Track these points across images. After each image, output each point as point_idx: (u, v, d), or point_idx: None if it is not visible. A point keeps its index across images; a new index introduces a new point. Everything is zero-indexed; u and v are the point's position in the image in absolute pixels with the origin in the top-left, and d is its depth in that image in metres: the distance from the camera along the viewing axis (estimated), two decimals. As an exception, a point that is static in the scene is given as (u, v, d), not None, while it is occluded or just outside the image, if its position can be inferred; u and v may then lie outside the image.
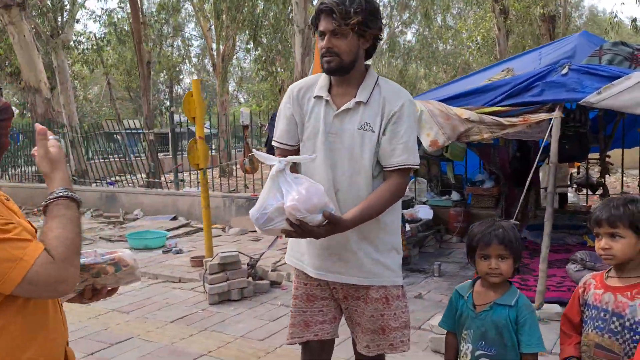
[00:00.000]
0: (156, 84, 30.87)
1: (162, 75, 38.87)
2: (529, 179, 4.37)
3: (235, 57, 29.53)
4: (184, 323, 4.07)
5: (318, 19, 2.00)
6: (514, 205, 5.99)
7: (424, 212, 6.25)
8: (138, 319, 4.20)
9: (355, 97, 2.03)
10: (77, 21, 20.32)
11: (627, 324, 1.69)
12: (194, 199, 8.42)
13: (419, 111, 4.46)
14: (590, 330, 1.78)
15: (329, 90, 2.07)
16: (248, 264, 4.75)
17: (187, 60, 43.03)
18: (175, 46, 35.54)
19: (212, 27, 21.70)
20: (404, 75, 29.43)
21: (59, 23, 16.11)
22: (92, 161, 12.04)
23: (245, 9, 19.54)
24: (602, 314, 1.75)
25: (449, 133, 4.39)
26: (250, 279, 4.68)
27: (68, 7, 15.91)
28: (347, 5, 1.93)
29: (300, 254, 2.17)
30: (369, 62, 2.16)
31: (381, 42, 2.23)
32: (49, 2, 15.15)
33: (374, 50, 2.10)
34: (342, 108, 2.03)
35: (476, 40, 17.38)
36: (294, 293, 2.19)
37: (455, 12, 26.56)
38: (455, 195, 6.56)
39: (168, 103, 49.78)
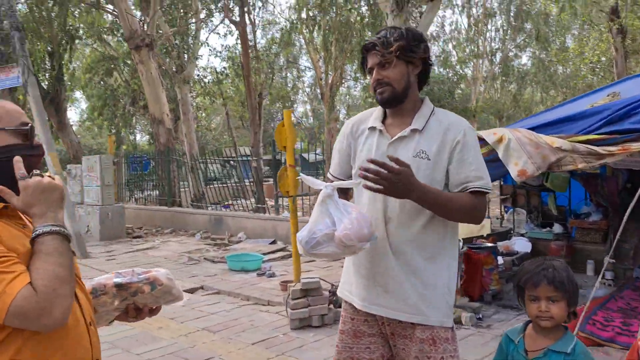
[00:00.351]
0: (271, 113, 32.37)
1: (277, 104, 40.82)
2: None
3: (345, 85, 30.28)
4: (264, 346, 4.20)
5: (365, 59, 2.05)
6: (626, 242, 5.48)
7: (521, 245, 5.91)
8: (223, 339, 4.41)
9: (410, 125, 2.02)
10: (200, 57, 22.14)
11: None
12: (279, 224, 8.70)
13: (507, 139, 4.30)
14: None
15: (383, 121, 2.09)
16: (330, 291, 4.80)
17: (300, 90, 44.83)
18: (288, 77, 37.27)
19: (322, 58, 22.51)
20: (519, 100, 28.16)
21: (184, 60, 17.67)
22: (210, 186, 12.79)
23: (354, 39, 19.96)
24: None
25: (539, 162, 4.16)
26: (331, 306, 4.72)
27: (192, 45, 17.37)
28: (387, 37, 1.97)
29: (349, 285, 2.14)
30: (424, 97, 2.15)
31: (432, 66, 2.20)
32: (175, 41, 16.67)
33: (427, 76, 2.10)
34: (397, 136, 2.02)
35: (592, 62, 16.25)
36: (340, 328, 2.14)
37: (575, 33, 25.08)
38: (557, 228, 6.12)
39: (282, 131, 51.89)
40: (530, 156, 4.18)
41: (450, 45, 30.83)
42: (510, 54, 30.14)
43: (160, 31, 15.44)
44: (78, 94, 28.10)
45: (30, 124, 1.37)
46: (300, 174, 2.23)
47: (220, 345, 4.27)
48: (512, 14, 29.21)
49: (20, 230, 1.31)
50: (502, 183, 6.75)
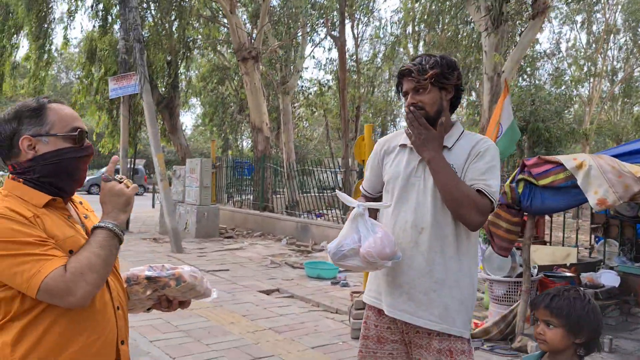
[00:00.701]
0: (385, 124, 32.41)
1: (380, 117, 40.91)
2: None
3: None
4: (322, 351, 4.35)
5: (401, 83, 2.17)
6: None
7: (608, 279, 5.53)
8: (286, 340, 4.62)
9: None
10: (305, 70, 22.88)
11: None
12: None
13: (587, 166, 4.11)
14: None
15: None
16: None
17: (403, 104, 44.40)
18: (393, 91, 37.13)
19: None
20: None
21: (288, 72, 18.42)
22: (307, 194, 13.14)
23: (459, 54, 19.64)
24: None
25: (621, 192, 3.93)
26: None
27: (295, 58, 18.07)
28: (423, 64, 2.08)
29: (377, 293, 2.22)
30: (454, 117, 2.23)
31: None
32: (280, 54, 17.46)
33: (459, 101, 2.21)
34: None
35: None
36: (364, 333, 2.23)
37: None
38: (652, 264, 5.65)
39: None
40: (612, 185, 3.97)
41: (565, 64, 29.22)
42: (636, 73, 27.95)
43: (268, 45, 16.26)
44: (194, 100, 30.09)
45: (79, 129, 1.54)
46: (337, 191, 2.38)
47: (282, 345, 4.48)
48: (639, 31, 27.11)
49: (64, 220, 1.51)
50: (593, 211, 6.36)
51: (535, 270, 5.04)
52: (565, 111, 18.34)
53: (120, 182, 1.52)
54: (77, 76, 18.66)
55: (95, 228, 1.46)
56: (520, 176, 4.47)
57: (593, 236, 6.56)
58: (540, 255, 6.33)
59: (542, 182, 4.33)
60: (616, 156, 4.13)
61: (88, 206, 1.74)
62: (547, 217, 7.00)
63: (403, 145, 2.21)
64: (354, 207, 2.07)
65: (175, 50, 16.52)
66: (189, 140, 46.11)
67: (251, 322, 5.15)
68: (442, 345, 2.03)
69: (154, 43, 15.58)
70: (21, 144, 1.47)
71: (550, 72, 28.96)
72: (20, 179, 1.49)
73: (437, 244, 2.05)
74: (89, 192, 29.16)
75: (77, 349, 1.44)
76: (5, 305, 1.40)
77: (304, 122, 29.18)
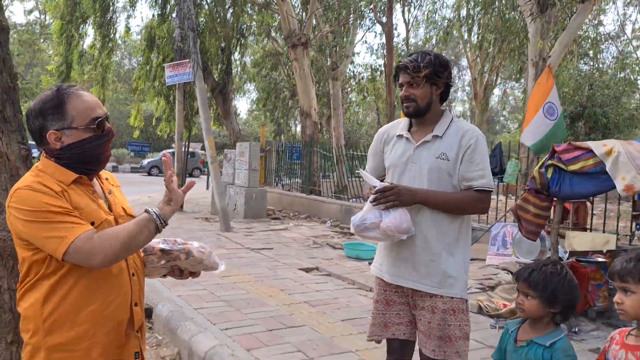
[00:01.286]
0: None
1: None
2: None
3: (503, 85, 28.92)
4: (351, 324, 4.62)
5: (397, 74, 2.45)
6: None
7: (645, 267, 5.49)
8: (318, 313, 4.92)
9: (432, 132, 2.42)
10: (356, 54, 22.86)
11: None
12: None
13: (616, 152, 4.15)
14: None
15: (409, 130, 2.50)
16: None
17: (460, 89, 43.76)
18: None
19: (478, 57, 21.93)
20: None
21: (338, 57, 18.57)
22: (356, 178, 13.32)
23: (515, 39, 19.15)
24: (615, 370, 1.69)
25: (648, 178, 3.96)
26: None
27: (345, 44, 18.18)
28: (418, 62, 2.36)
29: (379, 264, 2.56)
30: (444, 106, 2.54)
31: (452, 88, 2.58)
32: (331, 38, 17.62)
33: (447, 94, 2.49)
34: (421, 141, 2.42)
35: None
36: (375, 298, 2.56)
37: None
38: (693, 253, 5.54)
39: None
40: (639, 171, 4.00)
41: (630, 47, 27.82)
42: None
43: (318, 31, 16.45)
44: (250, 85, 30.79)
45: (98, 119, 1.70)
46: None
47: (314, 317, 4.79)
48: None
49: (88, 195, 1.74)
50: (635, 198, 6.28)
51: (567, 255, 5.10)
52: (626, 96, 17.57)
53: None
54: (137, 63, 19.56)
55: (144, 212, 1.67)
56: (549, 162, 4.55)
57: (634, 224, 6.48)
58: (580, 241, 6.32)
59: (572, 167, 4.39)
60: (645, 143, 4.14)
61: (114, 181, 1.96)
62: (588, 204, 6.94)
63: (400, 136, 2.50)
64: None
65: (229, 38, 17.03)
66: (244, 124, 47.20)
67: (288, 296, 5.48)
68: (446, 306, 2.35)
69: (209, 30, 16.12)
70: (49, 137, 1.68)
71: (614, 55, 27.66)
72: (52, 159, 1.72)
73: (433, 222, 2.35)
74: (149, 174, 30.58)
75: (95, 307, 1.67)
76: (36, 266, 1.65)
77: (355, 107, 29.27)
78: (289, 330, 4.39)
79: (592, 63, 24.79)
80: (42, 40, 36.43)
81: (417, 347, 2.52)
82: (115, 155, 36.38)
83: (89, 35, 16.21)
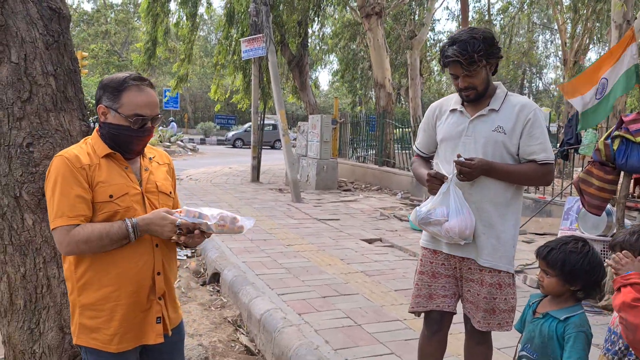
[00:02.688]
0: (507, 78, 30.75)
1: (528, 71, 38.34)
2: None
3: (595, 50, 26.78)
4: (403, 294, 4.70)
5: (446, 64, 2.41)
6: None
7: None
8: (373, 282, 5.05)
9: (488, 105, 2.44)
10: (436, 22, 22.01)
11: None
12: None
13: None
14: (602, 351, 1.74)
15: (462, 104, 2.51)
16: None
17: (553, 54, 41.12)
18: (539, 41, 34.40)
19: (569, 20, 20.49)
20: None
21: (416, 25, 18.13)
22: None
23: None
24: (612, 337, 1.70)
25: None
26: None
27: (422, 12, 17.67)
28: (470, 52, 2.29)
29: (429, 236, 2.57)
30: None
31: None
32: (406, 6, 17.21)
33: (497, 66, 2.47)
34: (478, 114, 2.44)
35: None
36: (420, 269, 2.62)
37: None
38: None
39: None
40: None
41: None
42: None
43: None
44: (332, 56, 30.83)
45: (138, 117, 1.88)
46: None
47: (368, 286, 4.92)
48: None
49: (120, 170, 1.93)
50: None
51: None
52: None
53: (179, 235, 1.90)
54: (217, 38, 20.19)
55: (127, 220, 1.85)
56: (616, 132, 4.31)
57: None
58: (659, 217, 5.94)
59: (640, 139, 4.15)
60: None
61: (162, 159, 2.12)
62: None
63: (453, 110, 2.52)
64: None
65: (305, 10, 17.11)
66: (325, 96, 47.44)
67: (347, 265, 5.65)
68: (493, 280, 2.41)
69: (286, 3, 16.30)
70: (98, 109, 1.93)
71: None
72: (99, 131, 1.96)
73: (486, 195, 2.40)
74: (233, 146, 31.77)
75: (119, 271, 1.88)
76: None
77: (437, 76, 28.49)
78: (342, 298, 4.56)
79: None
80: (135, 19, 38.48)
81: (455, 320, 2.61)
82: (202, 128, 38.11)
83: (174, 12, 16.90)
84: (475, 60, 2.29)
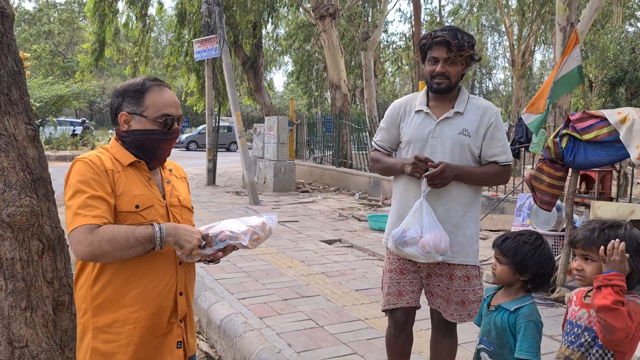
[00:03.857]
0: (467, 79, 31.51)
1: (478, 72, 39.32)
2: None
3: (543, 52, 27.84)
4: (364, 294, 4.73)
5: (430, 47, 2.45)
6: None
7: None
8: (334, 283, 5.05)
9: (453, 108, 2.51)
10: (389, 23, 22.33)
11: (598, 341, 1.71)
12: None
13: (631, 120, 4.05)
14: (563, 343, 1.79)
15: (427, 104, 2.56)
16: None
17: (501, 56, 42.48)
18: (488, 43, 35.32)
19: (516, 23, 21.20)
20: None
21: (369, 27, 18.30)
22: None
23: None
24: (575, 329, 1.75)
25: (663, 146, 3.86)
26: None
27: (375, 13, 17.88)
28: (460, 39, 2.38)
29: None
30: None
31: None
32: (360, 8, 17.36)
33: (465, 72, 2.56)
34: (444, 116, 2.51)
35: None
36: (389, 268, 2.65)
37: None
38: None
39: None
40: (654, 139, 3.90)
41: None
42: None
43: (347, 1, 16.22)
44: (286, 57, 30.75)
45: (167, 117, 1.78)
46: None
47: (329, 287, 4.92)
48: None
49: (143, 180, 1.80)
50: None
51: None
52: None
53: (204, 247, 1.76)
54: (168, 40, 19.83)
55: (154, 223, 1.72)
56: (564, 131, 4.47)
57: (662, 193, 6.27)
58: (604, 211, 6.18)
59: (586, 136, 4.32)
60: (662, 110, 4.01)
61: (179, 173, 2.01)
62: (614, 173, 6.76)
63: (419, 111, 2.56)
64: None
65: (259, 11, 17.01)
66: (281, 98, 47.30)
67: (307, 267, 5.63)
68: (462, 273, 2.51)
69: (239, 4, 16.15)
70: (119, 118, 1.79)
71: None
72: (119, 141, 1.83)
73: (454, 197, 2.48)
74: (187, 149, 31.22)
75: (139, 291, 1.74)
76: None
77: (391, 77, 28.89)
78: (303, 300, 4.54)
79: (639, 25, 23.57)
80: (81, 19, 37.30)
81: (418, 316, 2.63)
82: (154, 131, 37.20)
83: (122, 12, 16.47)
84: (465, 47, 2.39)
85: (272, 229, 1.93)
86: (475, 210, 2.56)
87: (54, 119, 23.73)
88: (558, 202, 4.83)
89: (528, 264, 1.97)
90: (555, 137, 4.54)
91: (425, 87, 2.61)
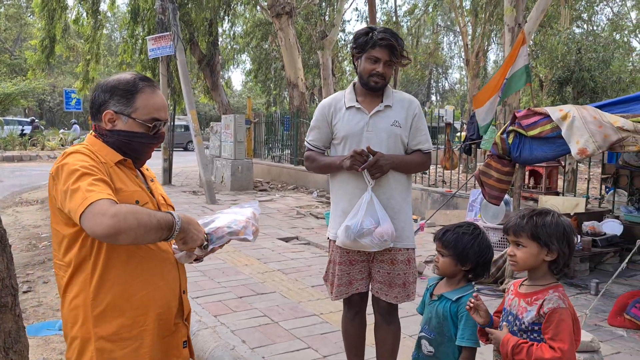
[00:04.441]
0: (409, 78, 31.94)
1: (435, 71, 40.00)
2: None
3: (494, 51, 28.56)
4: (320, 289, 4.77)
5: (373, 46, 2.53)
6: None
7: (611, 227, 5.62)
8: (290, 280, 5.08)
9: (382, 102, 2.63)
10: (346, 22, 22.38)
11: (523, 327, 1.79)
12: None
13: (571, 117, 4.22)
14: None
15: (357, 100, 2.66)
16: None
17: (457, 55, 43.33)
18: (444, 42, 35.97)
19: (469, 23, 21.71)
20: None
21: (326, 26, 18.38)
22: None
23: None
24: (509, 317, 1.83)
25: (600, 142, 4.05)
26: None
27: (332, 12, 17.96)
28: (401, 45, 2.56)
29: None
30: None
31: None
32: (316, 7, 17.41)
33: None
34: (375, 110, 2.62)
35: None
36: (337, 260, 2.70)
37: None
38: (658, 214, 5.68)
39: (433, 98, 51.14)
40: (592, 135, 4.09)
41: (626, 8, 27.49)
42: None
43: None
44: (244, 56, 30.45)
45: (157, 121, 1.72)
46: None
47: (285, 284, 4.94)
48: None
49: (132, 178, 1.73)
50: (604, 162, 6.38)
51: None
52: (620, 58, 17.43)
53: (205, 247, 1.71)
54: (122, 37, 19.36)
55: (171, 213, 1.62)
56: (510, 128, 4.63)
57: (604, 186, 6.59)
58: (551, 205, 6.44)
59: (531, 133, 4.48)
60: (600, 107, 4.21)
61: (152, 174, 1.95)
62: (560, 169, 7.04)
63: (350, 107, 2.65)
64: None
65: (215, 8, 16.82)
66: (239, 96, 46.89)
67: (263, 264, 5.63)
68: (403, 257, 2.64)
69: (194, 1, 15.93)
70: (104, 115, 1.70)
71: (609, 17, 27.32)
72: (100, 138, 1.73)
73: (393, 186, 2.60)
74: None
75: (145, 292, 1.67)
76: (74, 245, 1.63)
77: (349, 76, 29.06)
78: (259, 297, 4.54)
79: (585, 26, 24.52)
80: (29, 15, 35.94)
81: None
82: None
83: (72, 8, 15.98)
84: (404, 54, 2.60)
85: (258, 218, 1.93)
86: (409, 196, 2.73)
87: (1, 118, 22.79)
88: (506, 196, 4.99)
89: (468, 254, 2.04)
90: (502, 133, 4.69)
91: (352, 84, 2.73)
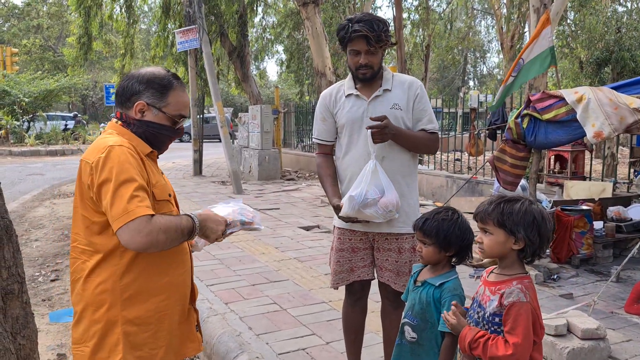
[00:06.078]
0: (448, 64, 31.38)
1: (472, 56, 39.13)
2: None
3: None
4: (333, 277, 4.79)
5: (350, 40, 2.51)
6: None
7: (637, 212, 5.42)
8: (304, 268, 5.12)
9: (381, 86, 2.60)
10: (378, 9, 22.07)
11: (486, 315, 1.76)
12: (429, 178, 8.96)
13: (587, 99, 4.09)
14: (468, 317, 1.85)
15: (356, 87, 2.64)
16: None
17: (495, 39, 42.27)
18: (482, 26, 35.12)
19: (504, 4, 21.11)
20: None
21: (354, 13, 18.22)
22: None
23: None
24: (474, 305, 1.81)
25: (616, 124, 3.91)
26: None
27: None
28: (377, 31, 2.45)
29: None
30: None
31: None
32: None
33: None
34: (374, 95, 2.60)
35: None
36: (340, 247, 2.71)
37: None
38: (689, 198, 5.43)
39: (471, 83, 50.07)
40: (608, 117, 3.95)
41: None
42: None
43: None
44: (279, 46, 30.50)
45: (181, 117, 1.86)
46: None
47: (299, 271, 4.99)
48: None
49: (157, 170, 1.85)
50: (634, 145, 6.13)
51: (550, 205, 5.09)
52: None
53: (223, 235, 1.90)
54: (152, 31, 19.72)
55: (188, 214, 1.79)
56: (525, 111, 4.51)
57: (632, 170, 6.33)
58: (577, 190, 6.26)
59: (546, 116, 4.36)
60: (616, 88, 4.05)
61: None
62: (587, 153, 6.81)
63: (349, 95, 2.64)
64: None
65: (243, 0, 16.89)
66: (274, 86, 47.04)
67: (280, 252, 5.70)
68: (409, 245, 2.60)
69: (224, -6, 16.02)
70: (135, 105, 1.79)
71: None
72: (128, 128, 1.81)
73: (397, 168, 2.57)
74: (180, 140, 31.15)
75: (168, 279, 1.80)
76: (103, 233, 1.72)
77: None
78: (271, 285, 4.60)
79: (629, 4, 23.47)
80: (70, 13, 37.04)
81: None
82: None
83: (107, 4, 16.36)
84: (382, 38, 2.48)
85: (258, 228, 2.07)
86: (415, 181, 2.69)
87: (44, 114, 23.66)
88: (523, 181, 4.88)
89: (451, 240, 2.02)
90: (516, 117, 4.58)
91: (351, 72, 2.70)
